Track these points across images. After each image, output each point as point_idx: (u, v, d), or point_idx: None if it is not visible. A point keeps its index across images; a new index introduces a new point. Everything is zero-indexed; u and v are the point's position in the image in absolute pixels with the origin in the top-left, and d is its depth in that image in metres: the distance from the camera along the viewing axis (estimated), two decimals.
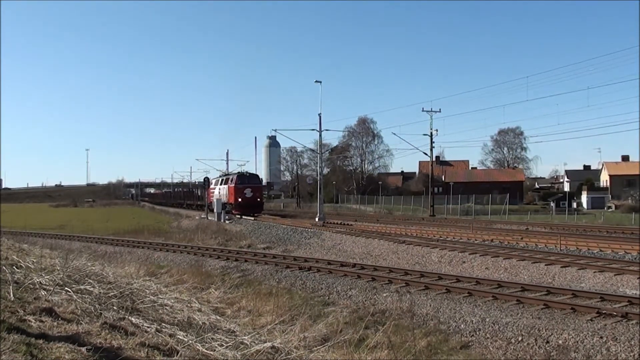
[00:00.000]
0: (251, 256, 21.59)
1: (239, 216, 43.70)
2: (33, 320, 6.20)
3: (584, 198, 69.02)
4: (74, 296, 8.06)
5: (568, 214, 47.23)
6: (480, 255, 18.55)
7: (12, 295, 7.20)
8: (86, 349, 5.26)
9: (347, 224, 34.33)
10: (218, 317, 10.11)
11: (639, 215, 39.89)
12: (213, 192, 51.68)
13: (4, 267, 9.33)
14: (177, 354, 6.13)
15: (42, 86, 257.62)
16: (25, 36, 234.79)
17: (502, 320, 10.76)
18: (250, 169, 52.77)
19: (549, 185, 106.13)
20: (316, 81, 38.37)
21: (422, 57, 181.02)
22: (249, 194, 44.39)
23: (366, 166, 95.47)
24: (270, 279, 17.05)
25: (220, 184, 49.95)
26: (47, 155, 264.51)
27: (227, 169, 64.46)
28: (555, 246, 19.95)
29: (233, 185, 44.99)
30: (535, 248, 20.36)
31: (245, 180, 45.50)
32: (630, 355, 8.70)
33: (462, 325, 10.98)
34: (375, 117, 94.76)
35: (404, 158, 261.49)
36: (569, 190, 76.82)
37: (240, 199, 44.07)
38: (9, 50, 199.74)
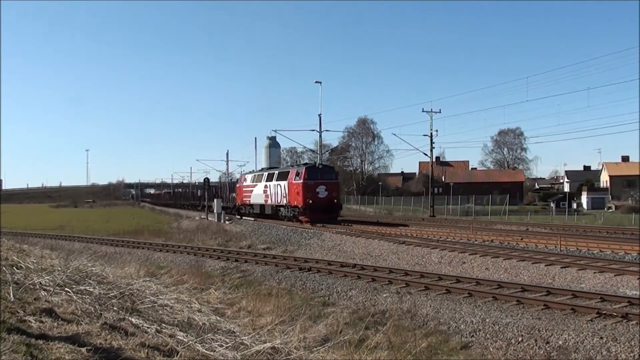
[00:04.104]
0: (251, 257, 21.59)
1: (238, 217, 42.94)
2: (33, 321, 6.20)
3: (584, 198, 69.06)
4: (74, 297, 8.05)
5: (568, 214, 47.22)
6: (480, 256, 18.54)
7: (12, 296, 7.20)
8: (86, 349, 5.26)
9: (347, 225, 34.27)
10: (218, 318, 10.12)
11: (639, 216, 39.91)
12: (251, 192, 41.27)
13: (4, 268, 9.33)
14: (177, 355, 6.13)
15: (42, 86, 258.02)
16: (25, 36, 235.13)
17: (502, 320, 10.76)
18: (249, 169, 51.51)
19: (549, 185, 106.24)
20: (316, 81, 37.79)
21: (422, 57, 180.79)
22: (322, 193, 32.32)
23: (366, 167, 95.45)
24: (271, 280, 17.06)
25: (268, 180, 37.71)
26: (47, 155, 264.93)
27: (227, 169, 64.48)
28: (555, 247, 19.94)
29: (301, 181, 32.43)
30: (535, 249, 20.34)
31: (318, 174, 32.86)
32: (630, 356, 8.70)
33: (462, 326, 10.98)
34: (375, 117, 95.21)
35: (404, 158, 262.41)
36: (569, 190, 76.80)
37: (310, 201, 32.00)
38: (9, 50, 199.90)
